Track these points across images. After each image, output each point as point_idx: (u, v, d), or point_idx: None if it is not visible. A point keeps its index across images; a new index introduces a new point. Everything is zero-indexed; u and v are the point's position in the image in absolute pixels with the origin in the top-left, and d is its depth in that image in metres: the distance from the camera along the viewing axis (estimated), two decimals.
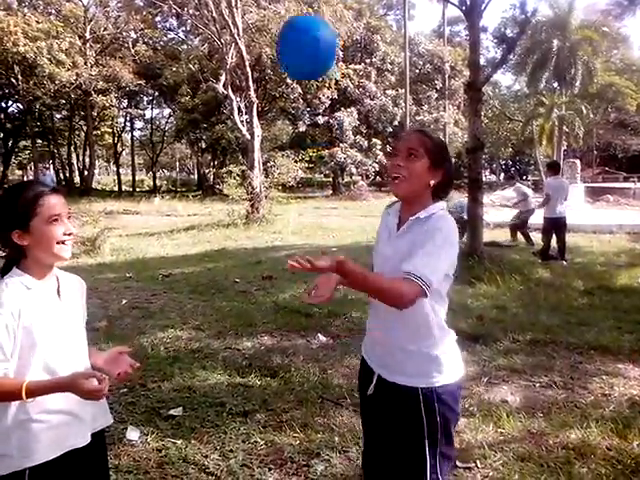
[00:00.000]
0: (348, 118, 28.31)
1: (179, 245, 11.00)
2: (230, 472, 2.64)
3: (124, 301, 6.13)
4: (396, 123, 29.33)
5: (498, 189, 26.99)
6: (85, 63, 26.62)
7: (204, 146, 34.67)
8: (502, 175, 48.74)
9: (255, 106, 15.33)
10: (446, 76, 31.33)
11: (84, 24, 28.36)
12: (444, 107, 30.93)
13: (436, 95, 32.53)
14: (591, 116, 30.49)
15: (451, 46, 34.66)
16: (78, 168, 38.36)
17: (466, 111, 21.01)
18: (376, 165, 29.19)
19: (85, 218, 11.91)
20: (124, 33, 30.22)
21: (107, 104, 29.32)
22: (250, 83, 15.35)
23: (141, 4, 26.90)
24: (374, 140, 29.52)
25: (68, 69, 25.06)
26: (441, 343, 1.70)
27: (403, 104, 25.33)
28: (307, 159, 18.63)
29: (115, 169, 42.05)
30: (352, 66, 29.59)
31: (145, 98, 37.53)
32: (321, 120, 29.14)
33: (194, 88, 28.69)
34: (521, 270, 7.25)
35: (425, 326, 1.67)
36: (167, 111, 40.13)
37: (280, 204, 15.14)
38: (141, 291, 6.69)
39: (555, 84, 31.37)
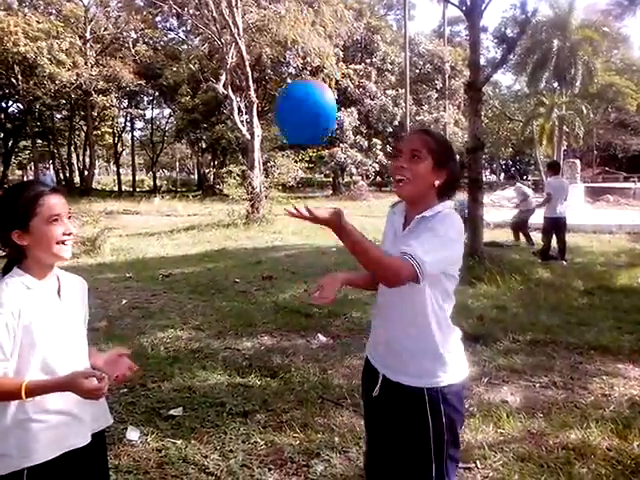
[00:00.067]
0: (348, 118, 28.31)
1: (179, 245, 10.99)
2: (230, 472, 2.64)
3: (124, 301, 6.13)
4: (396, 123, 29.35)
5: (498, 189, 27.01)
6: (85, 63, 26.61)
7: (204, 146, 34.68)
8: (502, 175, 48.78)
9: (255, 106, 15.32)
10: (446, 76, 31.36)
11: (84, 24, 28.36)
12: (444, 107, 30.96)
13: (436, 95, 32.57)
14: (591, 116, 30.51)
15: (451, 46, 34.68)
16: (78, 168, 38.37)
17: (466, 111, 21.00)
18: (376, 165, 29.20)
19: (85, 218, 11.88)
20: (124, 33, 30.20)
21: (107, 104, 29.33)
22: (250, 83, 15.33)
23: (141, 4, 26.85)
24: (374, 140, 29.54)
25: (68, 69, 25.05)
26: (446, 341, 1.67)
27: (403, 104, 25.32)
28: (307, 159, 18.67)
29: (115, 169, 42.11)
30: (352, 66, 29.64)
31: (145, 98, 37.56)
32: None
33: (194, 88, 28.70)
34: (521, 270, 7.24)
35: (430, 323, 1.64)
36: (167, 111, 40.28)
37: (280, 204, 15.12)
38: (141, 291, 6.69)
39: (555, 84, 31.39)
